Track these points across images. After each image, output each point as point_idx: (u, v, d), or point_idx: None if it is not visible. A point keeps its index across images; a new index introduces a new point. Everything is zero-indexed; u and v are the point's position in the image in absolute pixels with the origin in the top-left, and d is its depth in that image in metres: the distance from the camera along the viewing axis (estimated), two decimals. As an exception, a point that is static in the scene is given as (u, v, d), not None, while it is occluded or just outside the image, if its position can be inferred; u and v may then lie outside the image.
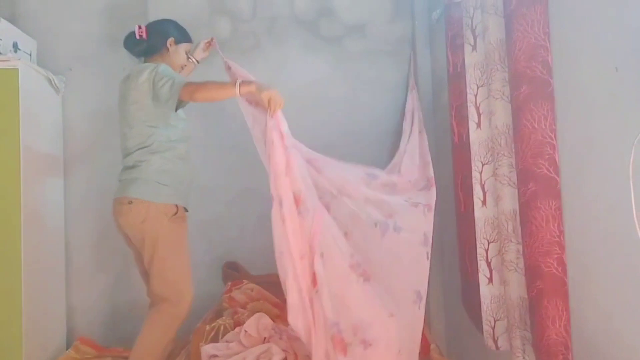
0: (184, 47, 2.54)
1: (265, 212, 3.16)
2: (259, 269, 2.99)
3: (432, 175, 2.58)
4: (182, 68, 2.58)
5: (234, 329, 2.28)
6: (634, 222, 1.44)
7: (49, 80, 2.84)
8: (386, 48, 3.25)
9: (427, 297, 3.08)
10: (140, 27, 2.46)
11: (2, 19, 2.59)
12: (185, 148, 2.46)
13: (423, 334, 2.86)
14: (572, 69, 1.80)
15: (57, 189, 2.95)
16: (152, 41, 2.47)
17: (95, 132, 3.07)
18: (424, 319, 2.48)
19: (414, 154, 2.67)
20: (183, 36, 2.55)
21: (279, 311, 2.52)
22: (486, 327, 2.23)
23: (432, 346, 2.78)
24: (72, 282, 3.01)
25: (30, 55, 2.86)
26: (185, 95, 2.17)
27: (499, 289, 2.19)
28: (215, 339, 2.26)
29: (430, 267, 3.07)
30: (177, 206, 2.33)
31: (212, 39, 2.71)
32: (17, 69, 2.50)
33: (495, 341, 2.22)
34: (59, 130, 3.00)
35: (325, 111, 3.20)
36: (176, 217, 2.31)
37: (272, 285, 2.79)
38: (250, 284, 2.66)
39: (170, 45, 2.49)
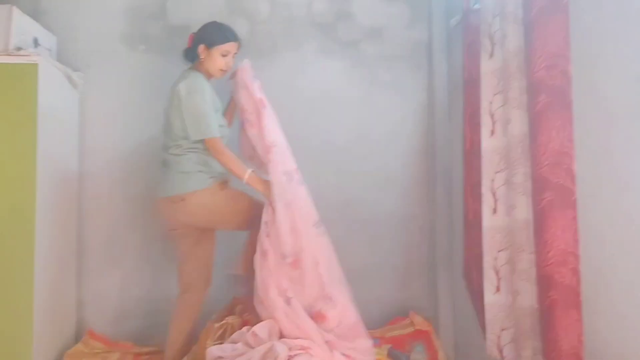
0: (219, 50, 2.44)
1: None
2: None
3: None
4: (224, 72, 2.51)
5: (241, 328, 2.28)
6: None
7: (68, 77, 2.86)
8: (403, 53, 3.24)
9: (436, 306, 3.09)
10: (191, 35, 2.51)
11: (23, 15, 2.63)
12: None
13: (431, 341, 2.85)
14: (593, 78, 1.79)
15: (72, 185, 2.97)
16: (193, 49, 2.49)
17: (112, 129, 3.09)
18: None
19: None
20: (217, 38, 2.44)
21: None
22: (491, 336, 2.22)
23: (440, 354, 2.76)
24: (83, 277, 3.03)
25: (50, 51, 2.89)
26: (212, 149, 2.35)
27: (506, 298, 2.17)
28: (222, 338, 2.27)
29: (438, 274, 3.08)
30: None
31: (235, 73, 2.58)
32: (37, 64, 2.52)
33: (500, 350, 2.20)
34: (76, 126, 3.03)
35: (341, 114, 3.20)
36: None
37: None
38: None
39: (202, 52, 2.45)
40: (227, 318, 2.37)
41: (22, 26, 2.61)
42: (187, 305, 2.50)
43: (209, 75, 2.48)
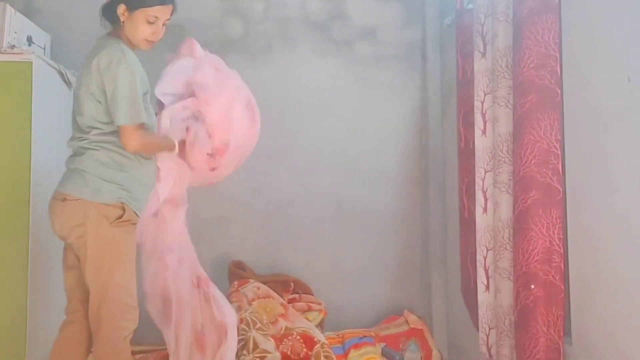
0: (144, 14, 1.83)
1: (270, 211, 3.19)
2: (263, 268, 3.00)
3: None
4: (150, 43, 1.92)
5: (237, 326, 2.28)
6: (640, 232, 1.44)
7: (62, 75, 2.86)
8: (397, 53, 3.25)
9: (429, 305, 3.10)
10: None
11: (17, 13, 2.62)
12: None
13: (425, 340, 2.87)
14: (583, 78, 1.81)
15: (65, 182, 2.97)
16: (109, 9, 1.88)
17: (105, 127, 3.09)
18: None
19: None
20: None
21: (284, 310, 2.53)
22: (482, 335, 2.24)
23: (434, 352, 2.78)
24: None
25: (44, 49, 2.89)
26: (132, 139, 1.78)
27: (493, 297, 2.20)
28: (217, 336, 2.27)
29: (432, 273, 3.09)
30: (123, 206, 1.83)
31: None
32: (31, 62, 2.52)
33: (489, 349, 2.22)
34: (69, 125, 3.02)
35: (335, 114, 3.21)
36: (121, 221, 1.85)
37: (278, 285, 2.81)
38: (256, 283, 2.67)
39: (122, 14, 1.83)
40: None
41: (16, 24, 2.60)
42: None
43: (131, 46, 1.88)
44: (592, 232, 1.76)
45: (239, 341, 2.25)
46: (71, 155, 1.93)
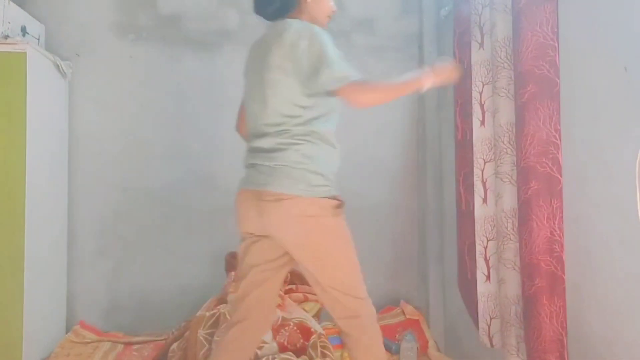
0: None
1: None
2: (260, 260, 3.00)
3: None
4: (329, 18, 1.92)
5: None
6: (638, 221, 1.45)
7: (57, 66, 2.84)
8: (394, 44, 3.24)
9: (426, 296, 3.12)
10: None
11: (11, 2, 2.59)
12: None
13: (422, 331, 2.88)
14: (580, 68, 1.81)
15: (61, 175, 2.96)
16: None
17: (101, 118, 3.07)
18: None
19: None
20: None
21: (281, 300, 2.53)
22: (482, 325, 2.25)
23: (430, 343, 2.79)
24: (74, 268, 3.02)
25: (39, 39, 2.86)
26: (359, 94, 1.68)
27: (495, 287, 2.21)
28: (214, 326, 2.27)
29: (429, 264, 3.10)
30: (335, 196, 1.77)
31: None
32: (25, 52, 2.50)
33: (490, 339, 2.24)
34: (65, 116, 3.00)
35: (331, 105, 3.20)
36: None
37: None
38: (252, 273, 2.67)
39: None
40: (218, 307, 2.37)
41: (10, 14, 2.58)
42: None
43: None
44: (588, 222, 1.76)
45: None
46: (266, 151, 1.76)
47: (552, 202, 1.85)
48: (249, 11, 3.20)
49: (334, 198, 1.76)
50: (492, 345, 2.25)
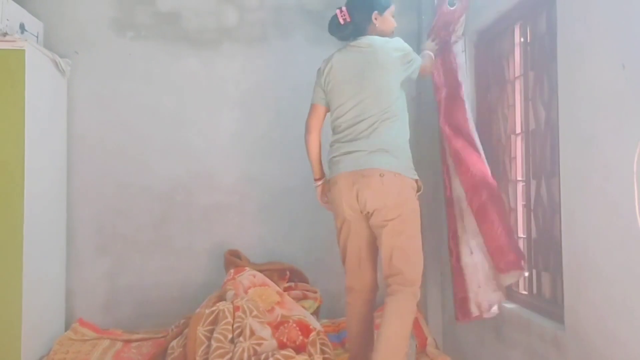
0: (390, 12, 2.42)
1: (266, 201, 3.19)
2: (259, 257, 3.01)
3: None
4: (393, 32, 2.46)
5: (233, 313, 2.29)
6: (636, 218, 1.45)
7: (55, 63, 2.84)
8: (392, 42, 3.24)
9: (424, 292, 3.12)
10: (341, 11, 2.34)
11: (9, 0, 2.59)
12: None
13: (420, 328, 2.89)
14: (578, 65, 1.81)
15: (60, 172, 2.96)
16: (357, 20, 2.34)
17: (99, 116, 3.07)
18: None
19: None
20: (385, 2, 2.41)
21: (279, 298, 2.54)
22: (471, 295, 2.40)
23: (429, 340, 2.80)
24: (73, 265, 3.02)
25: (37, 37, 2.86)
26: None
27: (479, 258, 2.38)
28: (214, 323, 2.27)
29: (427, 261, 3.10)
30: (417, 179, 2.26)
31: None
32: (24, 50, 2.50)
33: (479, 306, 2.36)
34: (63, 113, 3.00)
35: (330, 103, 3.20)
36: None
37: (274, 273, 2.82)
38: (252, 271, 2.68)
39: (376, 19, 2.36)
40: (218, 304, 2.37)
41: (8, 12, 2.57)
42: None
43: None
44: (585, 218, 1.77)
45: (235, 328, 2.26)
46: (365, 138, 2.21)
47: (474, 156, 2.38)
48: (247, 8, 3.23)
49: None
50: (481, 312, 2.35)
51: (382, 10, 2.38)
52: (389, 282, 2.20)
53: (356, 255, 2.29)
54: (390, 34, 2.43)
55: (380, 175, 2.13)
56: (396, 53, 2.28)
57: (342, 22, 2.33)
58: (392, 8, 2.43)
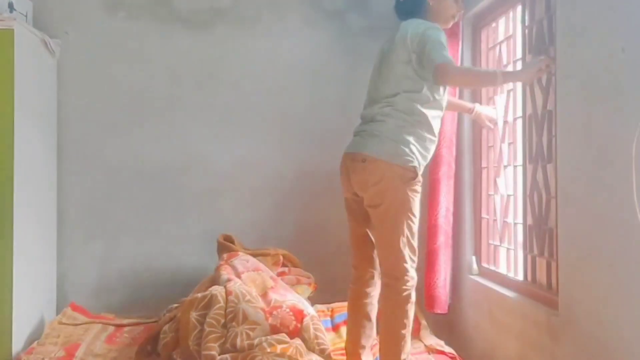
0: None
1: (259, 185, 3.16)
2: (252, 242, 2.99)
3: None
4: (454, 17, 2.21)
5: (226, 297, 2.27)
6: (633, 204, 1.44)
7: (45, 43, 2.78)
8: (390, 24, 3.17)
9: (419, 280, 3.10)
10: None
11: (-3, -22, 2.53)
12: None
13: (415, 314, 2.88)
14: (577, 49, 1.78)
15: (50, 154, 2.91)
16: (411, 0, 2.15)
17: (89, 96, 3.02)
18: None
19: None
20: None
21: (273, 283, 2.53)
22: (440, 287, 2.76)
23: (423, 324, 2.80)
24: (64, 249, 2.99)
25: (26, 16, 2.80)
26: (449, 73, 1.95)
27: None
28: (206, 308, 2.26)
29: (420, 246, 3.09)
30: (415, 170, 2.02)
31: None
32: (13, 29, 2.45)
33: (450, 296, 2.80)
34: (53, 94, 2.95)
35: (324, 86, 3.17)
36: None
37: (267, 258, 2.81)
38: (245, 256, 2.66)
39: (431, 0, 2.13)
40: (210, 288, 2.35)
41: (-4, -10, 2.52)
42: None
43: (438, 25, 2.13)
44: (582, 204, 1.76)
45: (228, 313, 2.25)
46: (368, 122, 2.13)
47: (449, 182, 2.70)
48: (242, -11, 3.16)
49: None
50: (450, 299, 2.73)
51: None
52: (380, 272, 2.15)
53: (355, 233, 2.23)
54: (448, 20, 2.19)
55: (362, 160, 2.02)
56: (411, 39, 2.01)
57: None
58: None
